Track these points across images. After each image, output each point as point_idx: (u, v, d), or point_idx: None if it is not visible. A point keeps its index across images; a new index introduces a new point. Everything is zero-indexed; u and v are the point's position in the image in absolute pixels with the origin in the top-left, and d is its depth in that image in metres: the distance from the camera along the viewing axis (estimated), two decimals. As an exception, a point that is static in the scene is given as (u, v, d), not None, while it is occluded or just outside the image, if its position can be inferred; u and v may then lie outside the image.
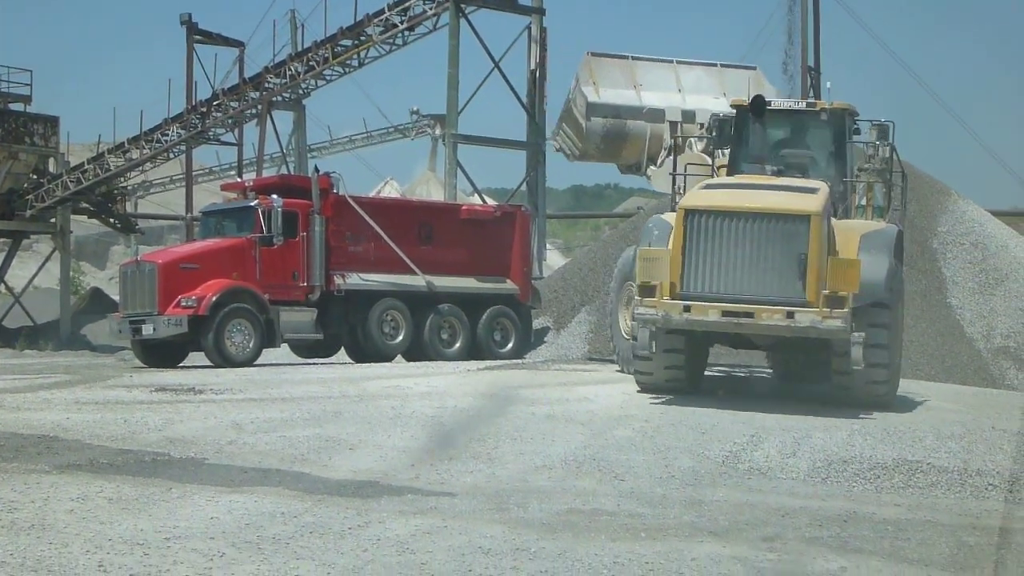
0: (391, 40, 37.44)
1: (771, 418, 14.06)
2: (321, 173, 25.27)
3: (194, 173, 49.78)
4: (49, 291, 51.43)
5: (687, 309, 15.11)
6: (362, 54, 38.13)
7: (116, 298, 30.65)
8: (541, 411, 14.43)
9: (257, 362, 23.25)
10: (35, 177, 43.06)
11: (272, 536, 8.33)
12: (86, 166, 42.41)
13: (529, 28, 37.55)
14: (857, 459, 11.78)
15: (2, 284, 47.60)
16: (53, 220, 44.26)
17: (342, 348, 26.12)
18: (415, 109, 56.54)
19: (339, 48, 38.08)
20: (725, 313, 15.03)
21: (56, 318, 44.13)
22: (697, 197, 15.83)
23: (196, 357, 24.06)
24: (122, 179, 44.84)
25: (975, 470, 11.49)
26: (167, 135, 41.82)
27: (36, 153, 42.62)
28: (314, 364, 24.58)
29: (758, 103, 17.03)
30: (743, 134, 17.51)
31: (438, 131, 52.00)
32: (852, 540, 8.89)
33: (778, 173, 16.72)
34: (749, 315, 14.97)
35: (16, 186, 42.38)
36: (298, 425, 13.30)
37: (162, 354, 23.92)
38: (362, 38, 37.54)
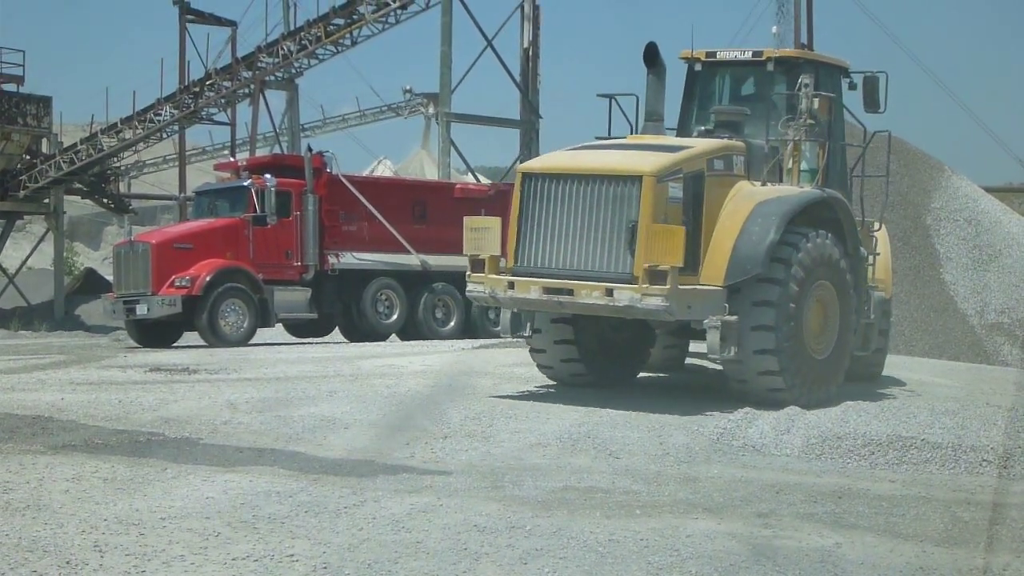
0: (384, 18, 37.35)
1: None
2: (314, 152, 25.28)
3: (187, 153, 49.65)
4: (43, 272, 51.33)
5: (511, 286, 13.53)
6: (355, 33, 38.04)
7: (110, 278, 30.63)
8: (536, 389, 14.43)
9: (251, 342, 23.27)
10: (28, 158, 42.87)
11: (267, 515, 8.34)
12: (79, 146, 42.24)
13: (522, 6, 37.51)
14: (851, 435, 11.79)
15: (-4, 265, 47.52)
16: (47, 201, 44.12)
17: (336, 328, 26.14)
18: (408, 88, 56.37)
19: (332, 27, 37.97)
20: (547, 290, 13.28)
21: (50, 299, 44.02)
22: (541, 159, 14.14)
23: (190, 337, 24.07)
24: (115, 159, 44.68)
25: (969, 446, 11.50)
26: (160, 115, 41.67)
27: (29, 133, 42.38)
28: (308, 344, 24.59)
29: (649, 52, 14.53)
30: (691, 90, 15.66)
31: (431, 110, 51.87)
32: (846, 516, 8.91)
33: (706, 133, 14.71)
34: (570, 292, 13.16)
35: (9, 167, 42.21)
36: (293, 404, 13.30)
37: (156, 334, 23.95)
38: (355, 17, 37.46)
